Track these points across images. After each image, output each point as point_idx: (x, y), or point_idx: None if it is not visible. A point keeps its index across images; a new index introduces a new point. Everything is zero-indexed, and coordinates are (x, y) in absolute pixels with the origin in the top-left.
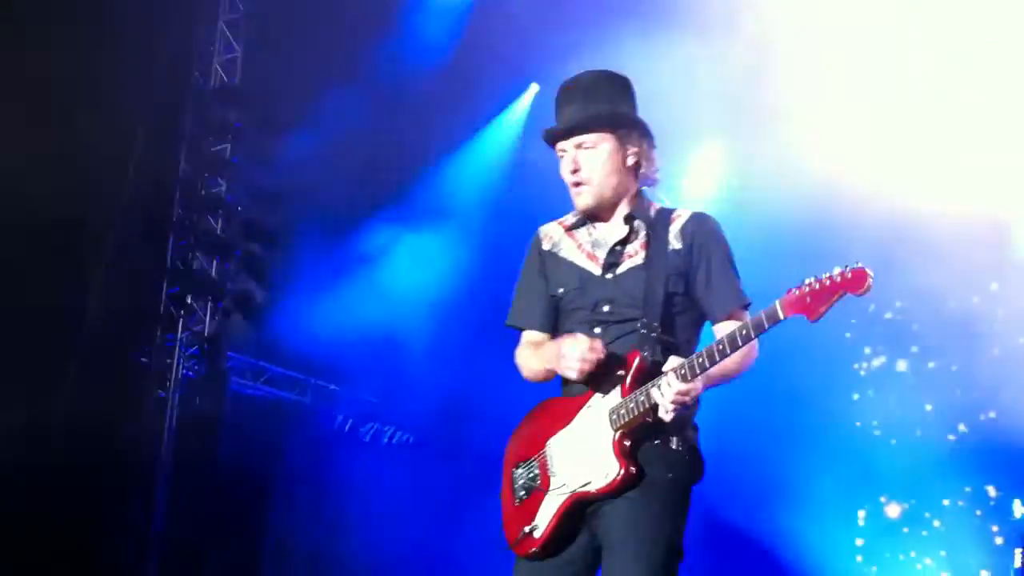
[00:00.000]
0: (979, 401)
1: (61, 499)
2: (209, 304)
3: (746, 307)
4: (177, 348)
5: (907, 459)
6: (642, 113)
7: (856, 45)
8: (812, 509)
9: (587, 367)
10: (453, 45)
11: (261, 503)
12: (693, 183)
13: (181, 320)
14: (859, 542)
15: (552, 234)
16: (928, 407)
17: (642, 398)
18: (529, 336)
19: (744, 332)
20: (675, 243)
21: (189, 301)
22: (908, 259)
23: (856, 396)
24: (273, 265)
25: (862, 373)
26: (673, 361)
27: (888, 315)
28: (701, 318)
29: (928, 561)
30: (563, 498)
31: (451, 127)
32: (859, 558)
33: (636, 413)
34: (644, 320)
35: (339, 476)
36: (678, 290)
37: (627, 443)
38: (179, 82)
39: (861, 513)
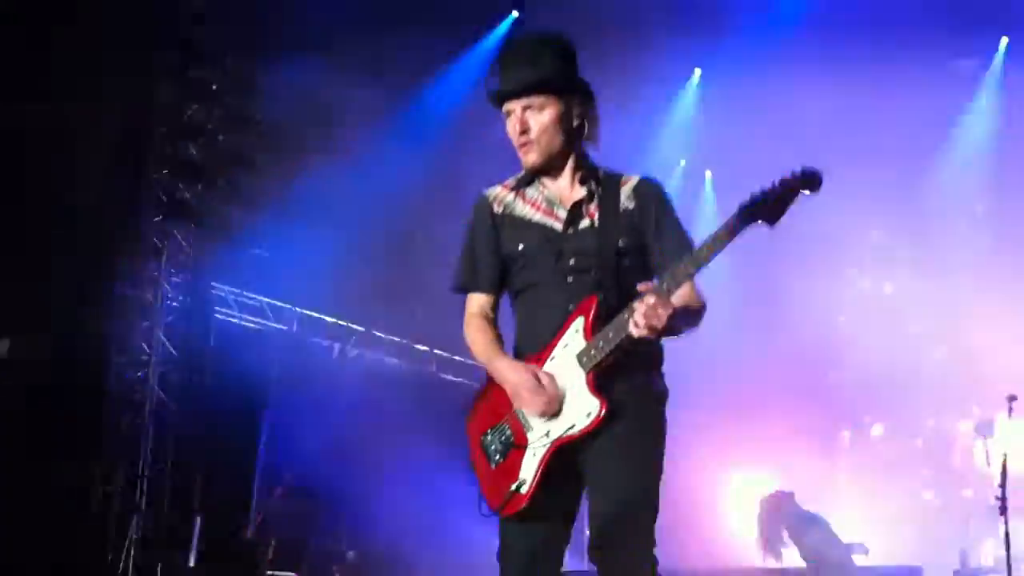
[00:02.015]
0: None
1: (50, 432)
2: (192, 233)
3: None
4: (161, 278)
5: (892, 380)
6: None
7: None
8: (797, 429)
9: (551, 407)
10: None
11: (250, 432)
12: None
13: (165, 250)
14: (843, 461)
15: (500, 197)
16: (913, 328)
17: (610, 334)
18: (478, 301)
19: (706, 248)
20: (627, 203)
21: (172, 231)
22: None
23: (842, 318)
24: (255, 190)
25: (849, 295)
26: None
27: (875, 236)
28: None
29: (913, 479)
30: (546, 448)
31: (432, 49)
32: (844, 477)
33: (606, 351)
34: (599, 271)
35: (328, 404)
36: (631, 245)
37: (602, 379)
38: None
39: (846, 433)
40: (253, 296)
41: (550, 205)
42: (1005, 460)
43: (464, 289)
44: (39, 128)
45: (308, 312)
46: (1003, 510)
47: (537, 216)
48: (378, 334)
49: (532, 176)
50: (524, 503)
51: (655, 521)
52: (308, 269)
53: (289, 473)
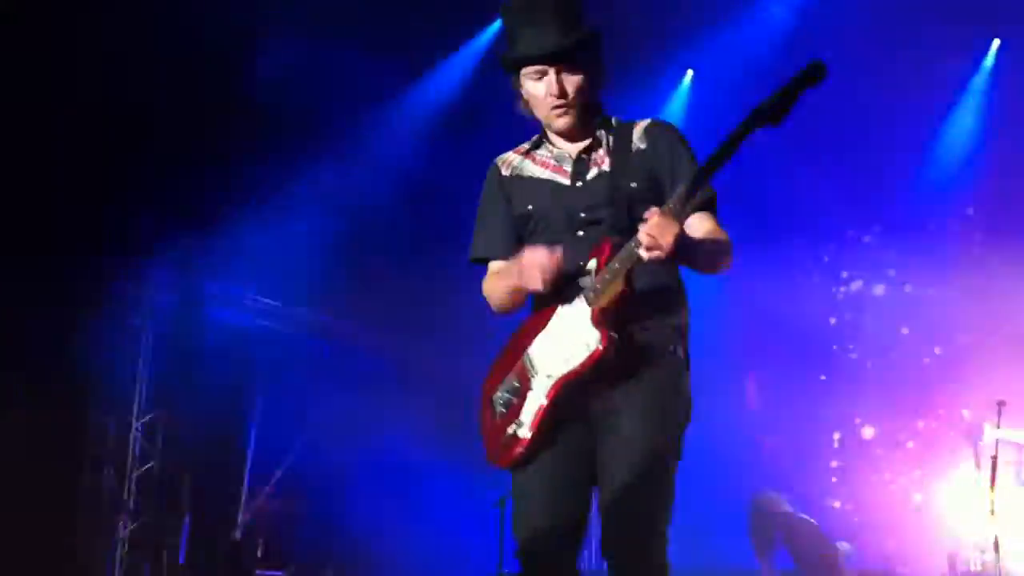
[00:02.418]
0: (954, 325)
1: (39, 428)
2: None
3: (715, 201)
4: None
5: (882, 382)
6: None
7: None
8: (787, 431)
9: (548, 276)
10: None
11: (240, 428)
12: None
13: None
14: (834, 463)
15: (510, 160)
16: (904, 331)
17: (616, 264)
18: (495, 267)
19: (714, 159)
20: (640, 143)
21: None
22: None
23: (833, 320)
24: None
25: (839, 297)
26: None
27: (866, 239)
28: None
29: (903, 481)
30: (548, 389)
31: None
32: (834, 479)
33: (611, 281)
34: (612, 216)
35: (318, 402)
36: (645, 188)
37: (608, 313)
38: None
39: (837, 435)
40: (246, 292)
41: (559, 162)
42: (994, 464)
43: (481, 259)
44: None
45: (295, 307)
46: (992, 514)
47: (546, 174)
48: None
49: (543, 138)
50: (521, 448)
51: (669, 518)
52: (292, 261)
53: (277, 471)
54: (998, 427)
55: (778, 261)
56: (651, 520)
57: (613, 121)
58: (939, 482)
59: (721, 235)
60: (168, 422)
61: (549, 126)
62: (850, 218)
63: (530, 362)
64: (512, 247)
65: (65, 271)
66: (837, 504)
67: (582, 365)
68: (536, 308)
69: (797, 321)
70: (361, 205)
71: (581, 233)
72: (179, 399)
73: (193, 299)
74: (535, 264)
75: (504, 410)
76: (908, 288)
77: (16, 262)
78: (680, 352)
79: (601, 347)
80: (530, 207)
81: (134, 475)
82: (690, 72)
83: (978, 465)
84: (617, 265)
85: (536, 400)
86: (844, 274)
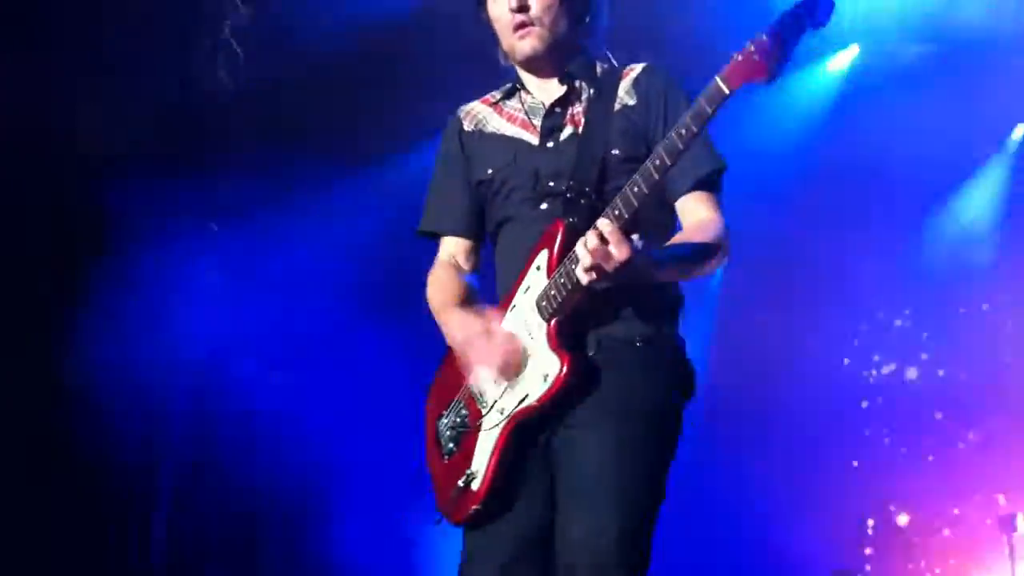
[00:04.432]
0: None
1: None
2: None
3: (720, 176)
4: None
5: (917, 467)
6: None
7: None
8: (821, 517)
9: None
10: None
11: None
12: None
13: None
14: (868, 551)
15: (475, 112)
16: (938, 415)
17: (572, 265)
18: (447, 246)
19: (684, 130)
20: (627, 99)
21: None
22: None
23: (865, 403)
24: None
25: (871, 380)
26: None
27: (898, 323)
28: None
29: (938, 570)
30: (501, 428)
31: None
32: (868, 567)
33: (567, 289)
34: (573, 184)
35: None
36: (631, 154)
37: (567, 331)
38: None
39: (870, 522)
40: None
41: (530, 115)
42: None
43: (430, 233)
44: None
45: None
46: None
47: (511, 130)
48: None
49: (516, 84)
50: (475, 505)
51: None
52: None
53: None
54: None
55: (808, 344)
56: None
57: (598, 67)
58: (977, 571)
59: (711, 229)
60: None
61: (514, 57)
62: (881, 301)
63: (477, 387)
64: (471, 222)
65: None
66: None
67: (540, 400)
68: (500, 296)
69: (828, 404)
70: None
71: (544, 206)
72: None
73: None
74: (460, 347)
75: (453, 447)
76: (941, 372)
77: None
78: (654, 341)
79: (562, 375)
80: (489, 171)
81: None
82: None
83: (1012, 557)
84: (573, 265)
85: (488, 442)
86: (876, 357)
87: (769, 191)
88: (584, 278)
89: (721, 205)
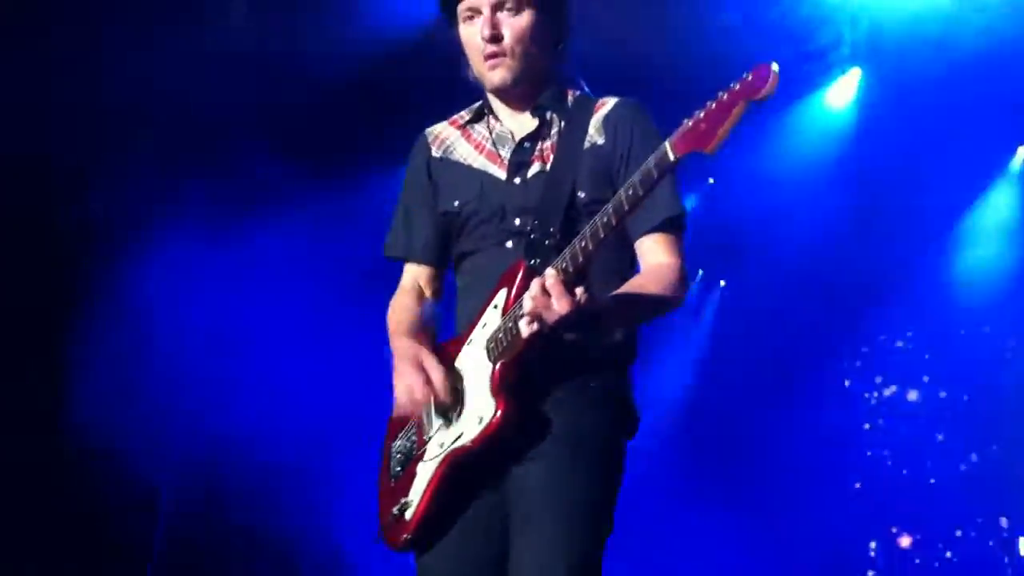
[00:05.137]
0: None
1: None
2: None
3: (680, 221)
4: None
5: (918, 489)
6: None
7: None
8: (823, 539)
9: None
10: None
11: None
12: None
13: None
14: (870, 574)
15: (443, 136)
16: (939, 437)
17: (520, 311)
18: (411, 273)
19: (631, 191)
20: (597, 137)
21: None
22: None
23: (867, 426)
24: None
25: (873, 402)
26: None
27: (900, 344)
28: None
29: None
30: (437, 464)
31: None
32: None
33: (512, 335)
34: (537, 224)
35: None
36: (597, 196)
37: (510, 376)
38: None
39: (873, 544)
40: None
41: (498, 145)
42: None
43: (395, 257)
44: None
45: None
46: None
47: (478, 161)
48: None
49: (485, 107)
50: (406, 534)
51: None
52: None
53: None
54: None
55: (809, 365)
56: None
57: (570, 97)
58: None
59: (666, 277)
60: None
61: (485, 85)
62: (883, 324)
63: (426, 416)
64: (436, 250)
65: None
66: None
67: (474, 442)
68: (457, 328)
69: (829, 426)
70: None
71: (509, 244)
72: None
73: None
74: (395, 374)
75: (400, 470)
76: (943, 394)
77: None
78: (611, 386)
79: (496, 421)
80: (456, 203)
81: None
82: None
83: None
84: (510, 326)
85: (426, 473)
86: (878, 379)
87: (770, 214)
88: (525, 330)
89: (682, 247)
